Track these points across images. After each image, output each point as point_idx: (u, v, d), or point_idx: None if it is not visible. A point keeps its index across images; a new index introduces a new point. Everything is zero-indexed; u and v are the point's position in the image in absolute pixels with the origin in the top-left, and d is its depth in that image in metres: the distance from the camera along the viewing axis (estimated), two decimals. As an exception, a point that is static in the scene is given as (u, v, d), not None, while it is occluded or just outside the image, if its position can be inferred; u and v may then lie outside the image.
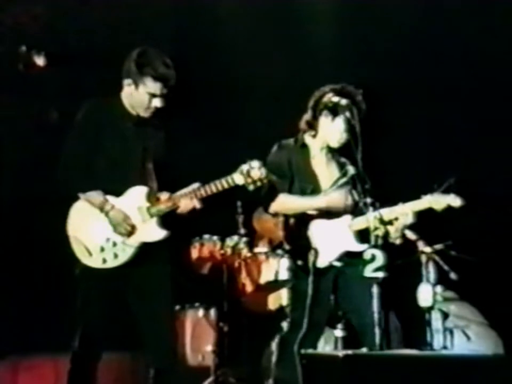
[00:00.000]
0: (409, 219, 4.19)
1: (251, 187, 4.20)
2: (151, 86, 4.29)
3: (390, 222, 4.13)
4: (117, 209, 4.28)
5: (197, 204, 4.27)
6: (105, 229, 4.29)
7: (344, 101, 4.28)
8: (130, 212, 4.30)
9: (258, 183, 4.20)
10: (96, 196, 4.30)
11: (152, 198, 4.33)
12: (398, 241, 4.22)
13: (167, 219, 4.33)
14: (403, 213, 4.18)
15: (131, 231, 4.27)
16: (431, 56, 5.38)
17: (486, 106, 5.28)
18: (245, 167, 4.20)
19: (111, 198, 4.31)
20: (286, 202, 4.38)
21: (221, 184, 4.23)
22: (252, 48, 5.54)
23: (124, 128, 4.38)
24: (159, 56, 4.32)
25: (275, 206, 4.41)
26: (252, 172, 4.18)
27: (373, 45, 5.43)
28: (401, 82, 5.32)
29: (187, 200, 4.26)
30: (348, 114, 4.25)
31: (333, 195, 4.36)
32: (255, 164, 4.19)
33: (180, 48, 5.68)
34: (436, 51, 5.38)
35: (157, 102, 4.33)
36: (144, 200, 4.31)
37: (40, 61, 4.47)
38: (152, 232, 4.31)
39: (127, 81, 4.34)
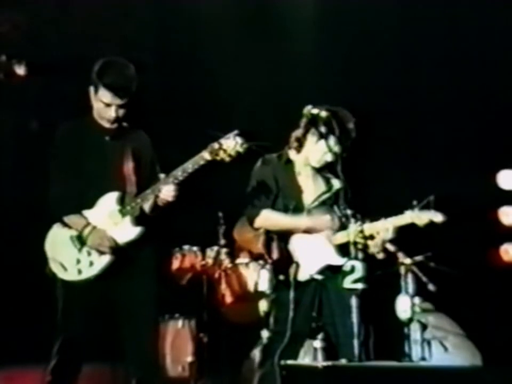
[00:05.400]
0: (389, 234, 4.19)
1: (227, 159, 4.14)
2: (103, 94, 4.28)
3: (371, 237, 4.15)
4: (97, 230, 4.27)
5: (175, 189, 4.20)
6: (76, 242, 4.29)
7: (323, 113, 4.24)
8: (100, 219, 4.30)
9: (233, 153, 4.13)
10: (77, 219, 4.30)
11: (127, 200, 4.31)
12: (380, 256, 4.23)
13: (142, 218, 4.31)
14: (384, 228, 4.19)
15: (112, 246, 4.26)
16: (412, 74, 5.44)
17: (466, 122, 5.36)
18: (215, 144, 4.14)
19: (86, 212, 4.31)
20: (269, 219, 4.37)
21: (192, 163, 4.18)
22: (234, 60, 5.58)
23: (99, 143, 4.38)
24: (120, 66, 4.30)
25: (259, 222, 4.38)
26: (224, 144, 4.12)
27: (355, 62, 5.49)
28: (382, 99, 5.37)
29: (165, 186, 4.21)
30: (332, 137, 4.24)
31: (319, 218, 4.35)
32: (228, 135, 4.14)
33: (160, 57, 5.71)
34: (415, 69, 5.44)
35: (111, 112, 4.29)
36: (115, 204, 4.31)
37: (20, 70, 4.45)
38: (125, 232, 4.30)
39: (91, 88, 4.35)
